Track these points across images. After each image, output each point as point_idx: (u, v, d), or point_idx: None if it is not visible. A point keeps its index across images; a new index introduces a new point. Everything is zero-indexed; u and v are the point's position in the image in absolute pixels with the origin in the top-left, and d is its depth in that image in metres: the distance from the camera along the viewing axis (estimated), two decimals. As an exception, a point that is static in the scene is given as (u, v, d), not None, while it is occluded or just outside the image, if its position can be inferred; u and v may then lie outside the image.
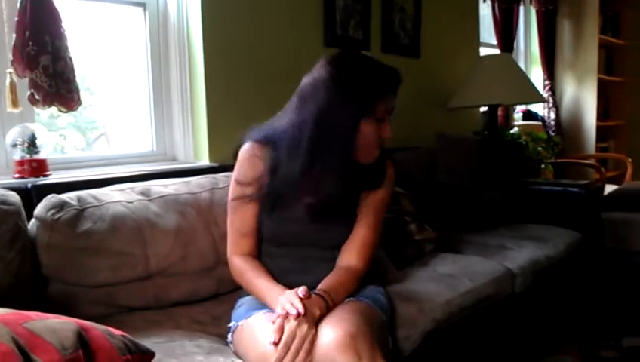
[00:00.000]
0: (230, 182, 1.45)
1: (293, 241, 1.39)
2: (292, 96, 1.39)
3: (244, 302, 1.36)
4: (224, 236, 1.49)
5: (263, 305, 1.29)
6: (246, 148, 1.41)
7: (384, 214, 1.45)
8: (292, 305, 1.13)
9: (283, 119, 1.36)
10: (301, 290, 1.17)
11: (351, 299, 1.28)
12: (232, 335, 1.29)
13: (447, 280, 1.74)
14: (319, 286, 1.25)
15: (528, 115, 4.22)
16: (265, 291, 1.28)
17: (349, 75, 1.28)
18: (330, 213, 1.35)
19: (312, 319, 1.13)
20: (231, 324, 1.31)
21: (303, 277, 1.30)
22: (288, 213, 1.36)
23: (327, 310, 1.18)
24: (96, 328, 0.82)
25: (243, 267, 1.37)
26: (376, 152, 1.33)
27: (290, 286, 1.27)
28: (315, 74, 1.32)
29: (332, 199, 1.33)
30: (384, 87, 1.29)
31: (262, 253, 1.43)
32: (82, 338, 0.77)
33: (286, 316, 1.12)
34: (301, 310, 1.11)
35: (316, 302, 1.17)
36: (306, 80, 1.35)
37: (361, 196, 1.40)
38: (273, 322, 1.14)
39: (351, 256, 1.35)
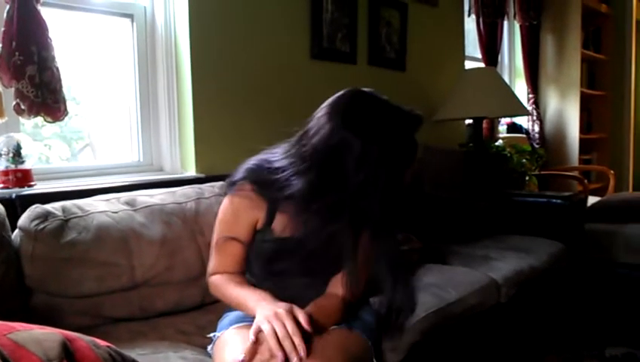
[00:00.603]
0: (216, 220, 1.34)
1: (284, 273, 1.31)
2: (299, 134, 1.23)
3: (229, 315, 1.34)
4: (209, 245, 1.47)
5: (246, 317, 1.24)
6: (243, 193, 1.27)
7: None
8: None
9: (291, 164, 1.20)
10: (303, 320, 1.08)
11: (336, 327, 1.22)
12: (212, 347, 1.27)
13: (432, 290, 1.75)
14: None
15: (513, 128, 4.27)
16: (242, 297, 1.21)
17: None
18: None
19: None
20: (211, 335, 1.31)
21: (298, 303, 1.24)
22: (281, 267, 1.29)
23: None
24: (81, 339, 0.81)
25: (221, 279, 1.30)
26: None
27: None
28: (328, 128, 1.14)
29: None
30: (413, 153, 1.26)
31: (254, 279, 1.34)
32: (67, 349, 0.76)
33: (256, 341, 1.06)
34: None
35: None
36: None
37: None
38: (253, 341, 1.07)
39: (337, 283, 1.28)
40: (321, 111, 1.19)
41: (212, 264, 1.34)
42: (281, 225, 1.27)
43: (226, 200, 1.31)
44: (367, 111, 1.16)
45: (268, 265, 1.30)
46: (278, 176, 1.19)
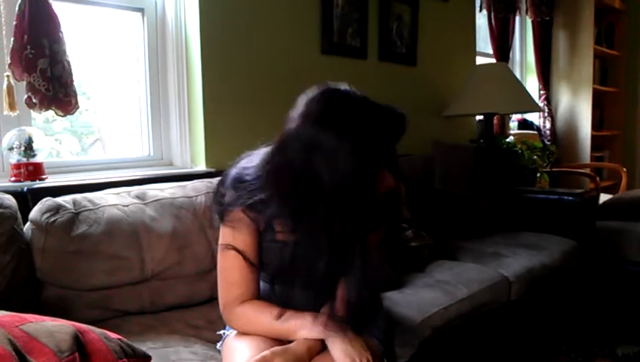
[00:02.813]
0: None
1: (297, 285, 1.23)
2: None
3: None
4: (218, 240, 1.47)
5: None
6: (236, 220, 1.19)
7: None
8: None
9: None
10: None
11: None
12: (222, 344, 1.27)
13: (443, 287, 1.74)
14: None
15: (524, 124, 4.24)
16: (286, 324, 1.14)
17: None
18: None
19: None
20: (221, 332, 1.30)
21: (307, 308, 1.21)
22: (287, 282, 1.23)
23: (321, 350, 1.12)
24: (92, 331, 0.82)
25: (251, 313, 1.19)
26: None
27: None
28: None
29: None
30: (381, 158, 1.10)
31: (264, 279, 1.29)
32: (79, 341, 0.76)
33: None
34: None
35: (308, 348, 1.11)
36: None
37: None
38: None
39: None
40: (293, 120, 1.09)
41: (230, 293, 1.21)
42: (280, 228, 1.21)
43: (223, 230, 1.22)
44: (342, 111, 1.06)
45: (274, 270, 1.24)
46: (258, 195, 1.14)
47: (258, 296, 1.24)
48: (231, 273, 1.21)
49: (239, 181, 1.17)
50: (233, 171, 1.20)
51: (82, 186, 1.61)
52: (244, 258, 1.19)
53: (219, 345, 1.29)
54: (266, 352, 1.04)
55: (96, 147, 2.18)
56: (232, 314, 1.21)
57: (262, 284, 1.28)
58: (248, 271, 1.20)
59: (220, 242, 1.23)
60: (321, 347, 1.12)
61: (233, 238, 1.20)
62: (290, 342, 1.12)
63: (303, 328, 1.12)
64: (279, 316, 1.15)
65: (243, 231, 1.19)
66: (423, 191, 2.54)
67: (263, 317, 1.17)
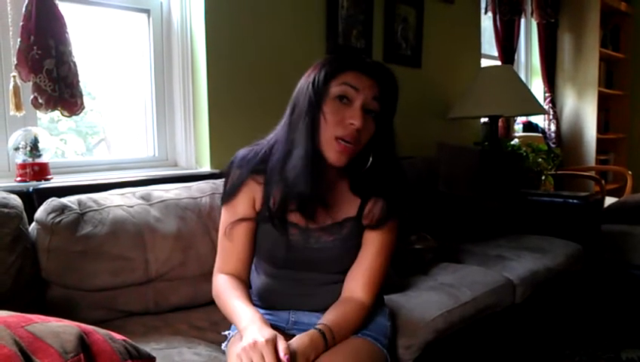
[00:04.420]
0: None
1: (290, 265, 1.26)
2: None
3: None
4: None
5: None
6: (239, 176, 1.26)
7: (394, 246, 1.30)
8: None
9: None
10: (282, 350, 1.00)
11: (352, 336, 1.19)
12: (227, 344, 1.27)
13: (447, 289, 1.74)
14: (323, 319, 1.16)
15: (529, 127, 4.23)
16: (236, 315, 1.14)
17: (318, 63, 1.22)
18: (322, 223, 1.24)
19: None
20: (226, 332, 1.31)
21: (304, 299, 1.26)
22: (283, 234, 1.24)
23: (325, 348, 1.10)
24: (97, 332, 0.82)
25: (223, 286, 1.23)
26: (338, 147, 1.14)
27: (288, 307, 1.27)
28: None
29: (304, 197, 1.17)
30: (335, 63, 1.18)
31: (263, 272, 1.31)
32: (84, 342, 0.77)
33: None
34: None
35: (311, 343, 1.08)
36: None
37: (361, 216, 1.25)
38: None
39: (356, 286, 1.23)
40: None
41: (217, 262, 1.30)
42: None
43: (224, 210, 1.29)
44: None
45: (271, 253, 1.27)
46: (269, 160, 1.23)
47: (244, 279, 1.28)
48: (221, 244, 1.28)
49: (246, 157, 1.26)
50: (241, 152, 1.29)
51: (87, 187, 1.61)
52: (241, 221, 1.25)
53: (224, 345, 1.29)
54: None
55: (101, 147, 2.18)
56: (213, 283, 1.28)
57: (260, 279, 1.32)
58: (235, 247, 1.26)
59: (221, 222, 1.29)
60: (325, 344, 1.11)
61: (234, 214, 1.25)
62: (291, 336, 1.12)
63: (251, 326, 1.08)
64: (242, 299, 1.18)
65: (240, 196, 1.25)
66: (427, 193, 2.53)
67: (227, 293, 1.21)
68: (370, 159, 1.22)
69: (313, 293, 1.26)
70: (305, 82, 1.20)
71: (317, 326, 1.12)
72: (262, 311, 1.25)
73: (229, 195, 1.26)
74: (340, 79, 1.16)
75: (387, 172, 1.24)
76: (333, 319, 1.15)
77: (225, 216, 1.27)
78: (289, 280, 1.27)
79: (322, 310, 1.23)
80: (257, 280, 1.32)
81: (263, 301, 1.31)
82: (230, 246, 1.26)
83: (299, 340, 1.07)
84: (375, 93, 1.16)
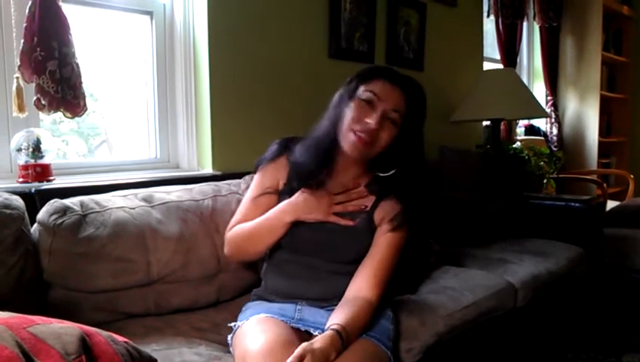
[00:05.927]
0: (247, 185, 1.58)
1: (303, 248, 1.38)
2: None
3: (250, 306, 1.37)
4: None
5: (268, 309, 1.29)
6: (274, 151, 1.49)
7: (401, 247, 1.38)
8: None
9: None
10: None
11: (358, 338, 1.21)
12: (232, 337, 1.28)
13: (449, 293, 1.73)
14: (336, 319, 1.18)
15: (531, 130, 4.23)
16: (262, 218, 1.39)
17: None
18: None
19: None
20: (232, 324, 1.31)
21: (310, 285, 1.33)
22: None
23: (343, 348, 1.13)
24: (99, 334, 0.82)
25: (239, 227, 1.44)
26: (352, 137, 1.29)
27: (295, 295, 1.32)
28: None
29: (302, 168, 1.37)
30: (369, 71, 1.36)
31: (273, 262, 1.44)
32: (86, 344, 0.77)
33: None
34: None
35: (332, 343, 1.10)
36: None
37: (374, 213, 1.37)
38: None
39: (364, 284, 1.29)
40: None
41: (233, 221, 1.48)
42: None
43: (254, 181, 1.51)
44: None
45: (289, 238, 1.38)
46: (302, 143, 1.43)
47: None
48: (244, 205, 1.48)
49: (288, 138, 1.49)
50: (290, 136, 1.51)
51: (89, 188, 1.61)
52: (266, 194, 1.44)
53: (229, 337, 1.30)
54: (298, 350, 1.04)
55: (103, 149, 2.19)
56: (228, 239, 1.47)
57: (270, 268, 1.44)
58: (254, 214, 1.43)
59: (251, 185, 1.50)
60: (342, 342, 1.13)
61: (261, 183, 1.47)
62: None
63: (285, 212, 1.36)
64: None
65: (267, 181, 1.46)
66: (430, 196, 2.53)
67: (248, 224, 1.42)
68: (395, 168, 1.36)
69: (318, 279, 1.35)
70: (343, 84, 1.40)
71: (333, 327, 1.14)
72: (270, 305, 1.34)
73: (261, 162, 1.49)
74: (370, 85, 1.31)
75: (409, 179, 1.36)
76: (345, 319, 1.18)
77: (255, 181, 1.49)
78: (298, 264, 1.38)
79: (324, 299, 1.32)
80: (268, 270, 1.44)
81: (272, 288, 1.40)
82: (253, 209, 1.45)
83: (321, 341, 1.10)
84: (397, 104, 1.30)
